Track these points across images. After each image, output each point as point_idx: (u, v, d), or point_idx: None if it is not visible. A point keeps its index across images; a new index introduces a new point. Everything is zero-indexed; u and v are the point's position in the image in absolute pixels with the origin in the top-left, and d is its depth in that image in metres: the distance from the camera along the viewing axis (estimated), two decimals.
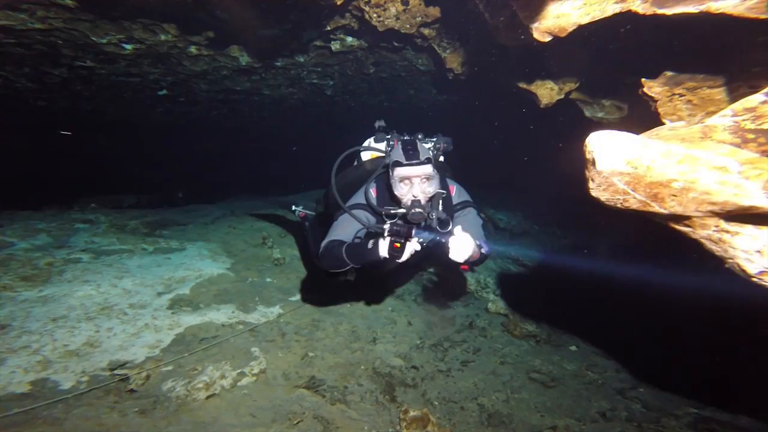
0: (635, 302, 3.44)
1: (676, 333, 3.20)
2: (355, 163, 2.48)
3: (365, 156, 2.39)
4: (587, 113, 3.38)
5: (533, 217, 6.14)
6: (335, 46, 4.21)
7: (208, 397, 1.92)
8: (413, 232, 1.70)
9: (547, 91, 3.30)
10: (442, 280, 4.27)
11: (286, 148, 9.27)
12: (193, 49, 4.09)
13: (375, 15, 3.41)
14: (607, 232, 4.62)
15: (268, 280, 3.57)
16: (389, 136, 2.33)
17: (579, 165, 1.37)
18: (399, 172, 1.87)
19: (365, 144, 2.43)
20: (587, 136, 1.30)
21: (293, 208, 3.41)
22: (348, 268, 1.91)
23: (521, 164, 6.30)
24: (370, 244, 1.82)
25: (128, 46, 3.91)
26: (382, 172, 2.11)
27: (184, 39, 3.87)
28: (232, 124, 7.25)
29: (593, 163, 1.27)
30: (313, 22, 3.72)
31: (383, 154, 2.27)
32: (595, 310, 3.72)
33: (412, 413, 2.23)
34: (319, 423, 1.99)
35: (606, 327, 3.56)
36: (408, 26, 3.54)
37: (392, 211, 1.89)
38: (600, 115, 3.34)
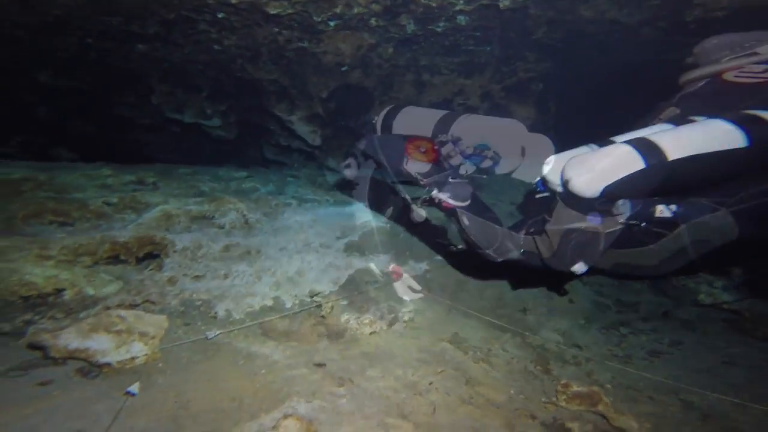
0: None
1: None
2: None
3: None
4: None
5: None
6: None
7: (370, 333, 2.15)
8: None
9: None
10: None
11: None
12: (372, 21, 4.04)
13: None
14: None
15: (416, 238, 3.67)
16: None
17: None
18: None
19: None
20: None
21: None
22: None
23: None
24: None
25: (332, 23, 4.10)
26: None
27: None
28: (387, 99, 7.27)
29: None
30: None
31: None
32: None
33: (575, 388, 1.85)
34: (462, 376, 1.94)
35: None
36: None
37: None
38: None
